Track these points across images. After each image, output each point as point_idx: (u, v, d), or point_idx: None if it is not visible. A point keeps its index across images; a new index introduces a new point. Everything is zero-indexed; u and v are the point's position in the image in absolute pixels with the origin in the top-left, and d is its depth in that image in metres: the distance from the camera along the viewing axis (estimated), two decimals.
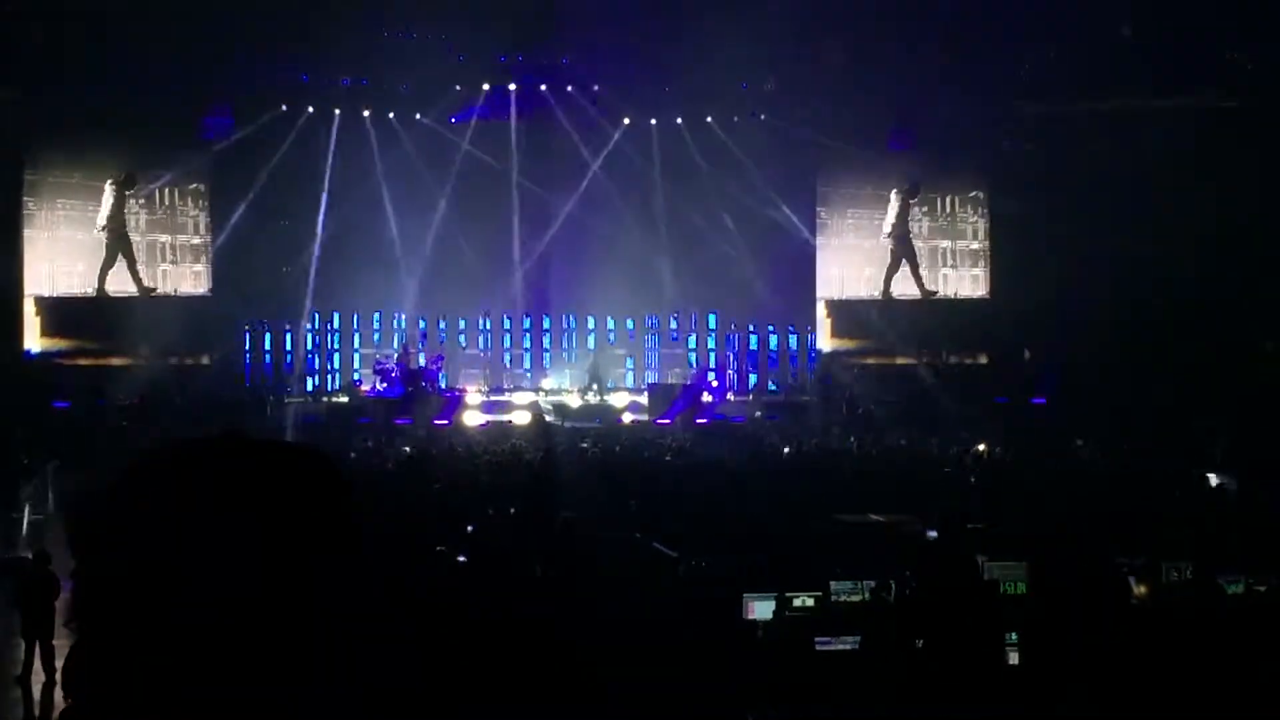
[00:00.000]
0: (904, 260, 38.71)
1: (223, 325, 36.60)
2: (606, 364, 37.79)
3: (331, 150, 37.34)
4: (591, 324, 39.38)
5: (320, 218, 37.18)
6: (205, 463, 1.68)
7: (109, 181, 35.76)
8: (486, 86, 37.87)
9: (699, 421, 33.23)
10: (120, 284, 36.13)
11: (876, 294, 38.76)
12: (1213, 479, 21.63)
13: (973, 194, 39.04)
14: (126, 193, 35.98)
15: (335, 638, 1.67)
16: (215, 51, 33.98)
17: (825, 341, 38.48)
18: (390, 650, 1.71)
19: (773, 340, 39.56)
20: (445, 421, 32.74)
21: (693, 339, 39.46)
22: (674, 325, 39.60)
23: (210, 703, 1.59)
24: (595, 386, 36.72)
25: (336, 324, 38.79)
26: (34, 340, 35.24)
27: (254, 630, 1.61)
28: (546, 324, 39.47)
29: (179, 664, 1.59)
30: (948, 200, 39.16)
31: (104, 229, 35.86)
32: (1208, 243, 32.71)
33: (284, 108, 36.70)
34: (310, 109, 37.09)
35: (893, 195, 38.65)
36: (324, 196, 37.17)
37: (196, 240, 37.17)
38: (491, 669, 7.02)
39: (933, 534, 14.07)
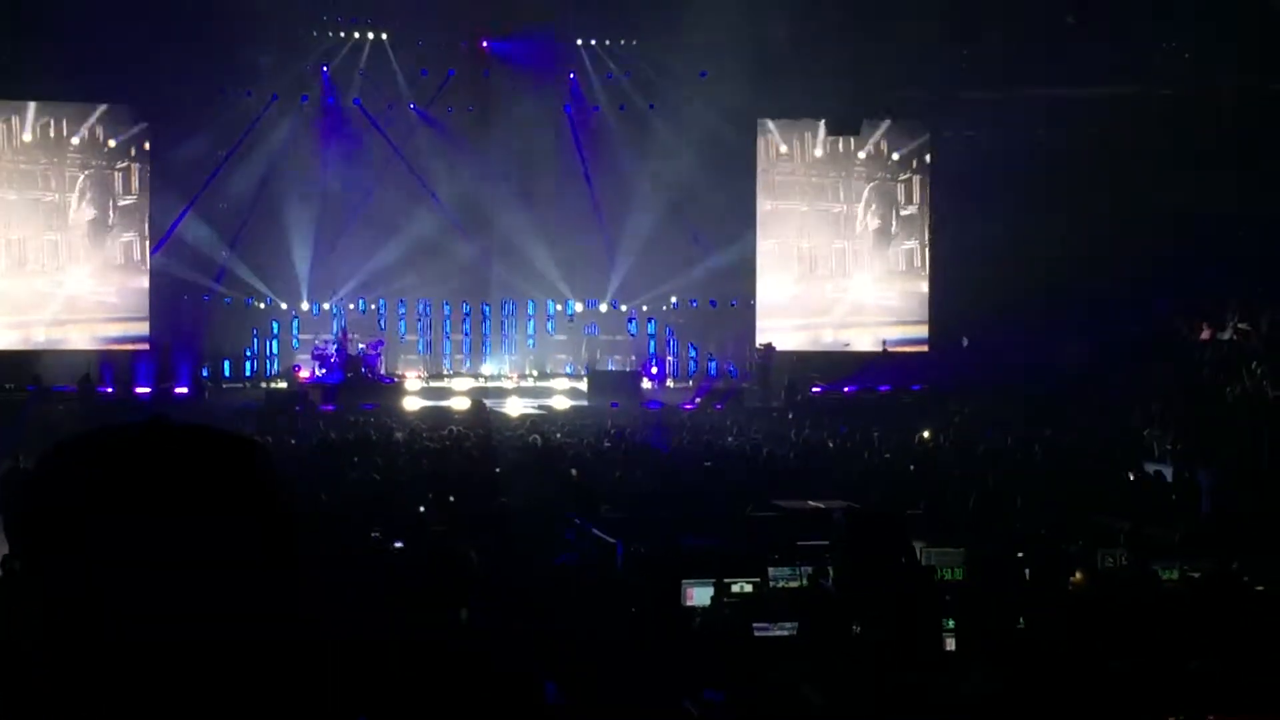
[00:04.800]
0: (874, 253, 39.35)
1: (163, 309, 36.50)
2: (595, 347, 38.17)
3: (268, 134, 37.18)
4: (531, 309, 39.45)
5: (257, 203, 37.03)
6: (127, 451, 1.63)
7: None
8: (426, 73, 37.77)
9: (641, 407, 33.35)
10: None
11: (816, 282, 39.07)
12: (1148, 467, 21.84)
13: (914, 179, 39.30)
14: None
15: (262, 635, 1.63)
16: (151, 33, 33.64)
17: (765, 331, 38.58)
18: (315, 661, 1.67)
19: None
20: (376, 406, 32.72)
21: (634, 325, 39.49)
22: (608, 310, 39.70)
23: (138, 703, 1.56)
24: (586, 369, 37.31)
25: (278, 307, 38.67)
26: None
27: (183, 624, 1.57)
28: (486, 310, 39.45)
29: (100, 658, 1.55)
30: (890, 186, 39.39)
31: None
32: (1145, 230, 33.01)
33: (223, 91, 36.42)
34: (248, 93, 36.85)
35: (863, 188, 39.14)
36: (262, 180, 36.98)
37: (134, 232, 36.92)
38: (424, 665, 6.98)
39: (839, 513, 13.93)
